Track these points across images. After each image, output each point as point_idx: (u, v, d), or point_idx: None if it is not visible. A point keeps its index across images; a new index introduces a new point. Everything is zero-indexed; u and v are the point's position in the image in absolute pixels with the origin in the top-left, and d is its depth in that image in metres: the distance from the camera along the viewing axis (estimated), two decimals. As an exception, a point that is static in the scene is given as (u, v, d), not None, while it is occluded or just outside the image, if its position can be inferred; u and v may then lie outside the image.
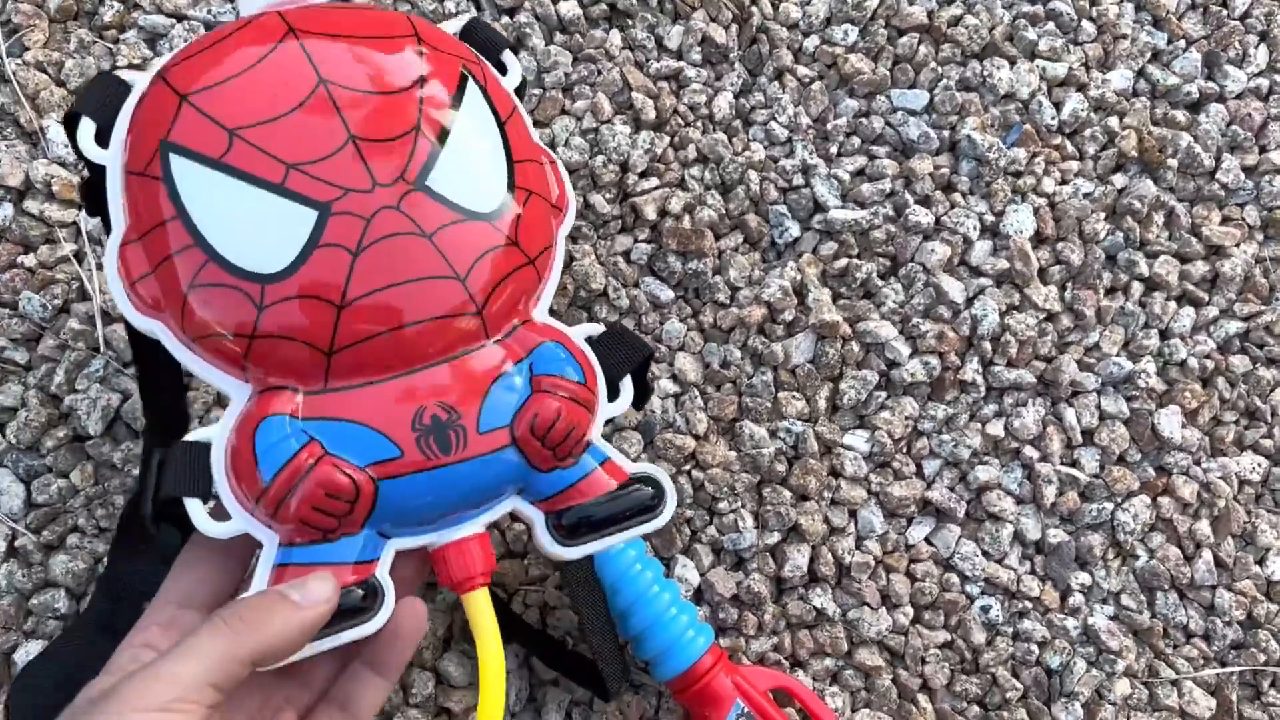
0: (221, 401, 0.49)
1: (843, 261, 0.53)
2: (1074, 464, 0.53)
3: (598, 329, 0.39)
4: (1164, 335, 0.54)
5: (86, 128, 0.35)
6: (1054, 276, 0.54)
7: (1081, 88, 0.57)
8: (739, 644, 0.49)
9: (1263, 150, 0.56)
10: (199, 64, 0.35)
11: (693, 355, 0.52)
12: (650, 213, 0.53)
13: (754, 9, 0.56)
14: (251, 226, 0.33)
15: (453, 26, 0.40)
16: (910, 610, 0.51)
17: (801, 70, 0.56)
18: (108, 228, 0.35)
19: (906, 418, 0.52)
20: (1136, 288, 0.54)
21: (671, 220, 0.53)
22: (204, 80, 0.34)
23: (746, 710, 0.42)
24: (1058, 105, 0.56)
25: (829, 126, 0.55)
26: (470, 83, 0.37)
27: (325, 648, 0.34)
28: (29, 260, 0.51)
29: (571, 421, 0.36)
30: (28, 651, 0.46)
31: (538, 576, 0.50)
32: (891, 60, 0.56)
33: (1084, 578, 0.51)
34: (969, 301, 0.53)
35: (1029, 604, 0.51)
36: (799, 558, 0.50)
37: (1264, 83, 0.57)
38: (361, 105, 0.34)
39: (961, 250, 0.54)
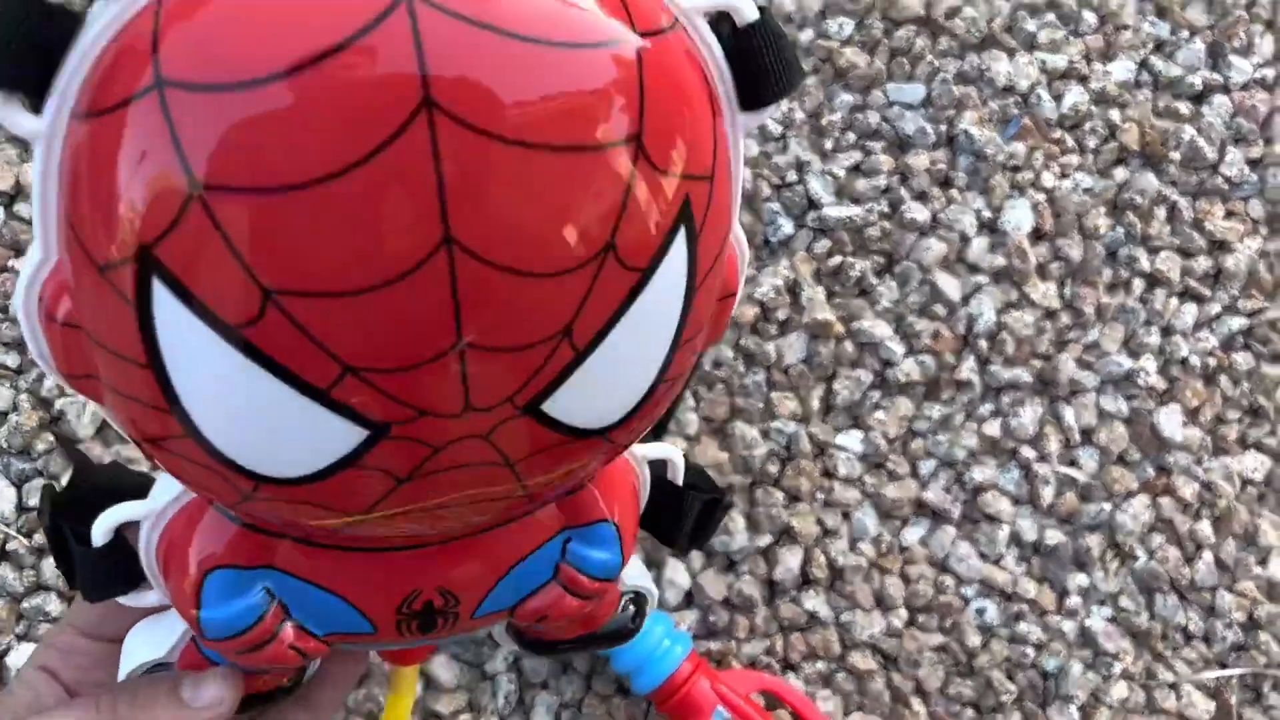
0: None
1: (837, 259, 0.52)
2: (1072, 464, 0.52)
3: (679, 466, 0.29)
4: (1165, 332, 0.53)
5: None
6: (1053, 273, 0.53)
7: (1082, 80, 0.55)
8: (730, 648, 0.49)
9: (1268, 143, 0.55)
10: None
11: (685, 355, 0.52)
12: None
13: (747, 2, 0.55)
14: (266, 429, 0.20)
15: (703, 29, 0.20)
16: (904, 613, 0.50)
17: (796, 65, 0.55)
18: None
19: (901, 418, 0.51)
20: (1137, 284, 0.53)
21: (663, 219, 0.52)
22: (237, 177, 0.17)
23: (728, 717, 0.42)
24: (1057, 98, 0.55)
25: (824, 122, 0.54)
26: (681, 231, 0.20)
27: None
28: (19, 264, 0.51)
29: (582, 623, 0.30)
30: (20, 654, 0.47)
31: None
32: (888, 53, 0.55)
33: (1081, 579, 0.51)
34: (966, 299, 0.53)
35: (1025, 606, 0.50)
36: (791, 560, 0.50)
37: (1270, 73, 0.56)
38: (498, 291, 0.18)
39: (958, 247, 0.53)
